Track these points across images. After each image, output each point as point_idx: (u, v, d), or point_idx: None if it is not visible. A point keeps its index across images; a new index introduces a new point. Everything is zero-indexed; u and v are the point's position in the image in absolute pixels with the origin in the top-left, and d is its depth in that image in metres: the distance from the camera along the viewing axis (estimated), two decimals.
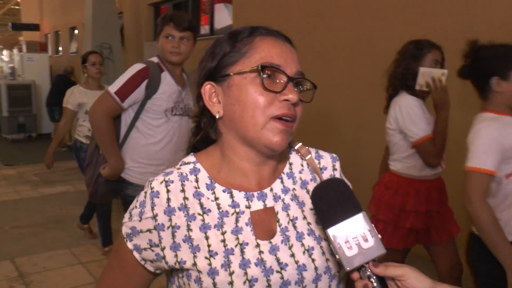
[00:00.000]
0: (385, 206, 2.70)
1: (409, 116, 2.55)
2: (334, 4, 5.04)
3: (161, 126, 2.70)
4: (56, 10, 14.92)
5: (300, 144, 1.13)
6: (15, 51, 13.46)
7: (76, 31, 13.56)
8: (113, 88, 2.59)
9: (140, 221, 1.01)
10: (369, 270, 0.88)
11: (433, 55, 2.60)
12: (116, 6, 8.85)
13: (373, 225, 0.90)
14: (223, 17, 7.84)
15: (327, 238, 1.01)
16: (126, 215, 1.05)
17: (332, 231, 0.89)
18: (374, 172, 3.41)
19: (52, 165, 4.62)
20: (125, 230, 1.04)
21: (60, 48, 15.28)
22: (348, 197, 0.93)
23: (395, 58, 2.75)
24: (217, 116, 1.02)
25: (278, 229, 1.01)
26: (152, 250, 1.00)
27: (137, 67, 2.63)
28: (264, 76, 0.96)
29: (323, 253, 1.01)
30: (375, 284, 0.87)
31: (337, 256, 0.89)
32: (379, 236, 0.89)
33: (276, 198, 1.04)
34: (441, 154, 2.59)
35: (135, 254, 1.03)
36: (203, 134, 1.09)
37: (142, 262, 1.04)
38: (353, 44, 4.83)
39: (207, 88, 1.04)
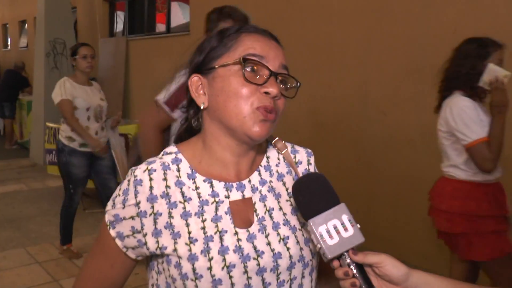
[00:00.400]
0: (459, 216, 2.55)
1: (460, 118, 2.45)
2: (293, 6, 5.14)
3: None
4: (3, 2, 14.38)
5: (277, 138, 1.18)
6: None
7: (26, 25, 13.12)
8: (162, 97, 2.35)
9: (123, 208, 1.03)
10: (349, 258, 0.94)
11: (498, 54, 2.49)
12: (69, 0, 8.65)
13: (352, 215, 0.96)
14: (178, 16, 7.81)
15: (301, 228, 1.09)
16: (109, 203, 1.07)
17: (313, 221, 0.95)
18: (328, 172, 3.50)
19: (105, 150, 4.19)
20: (108, 217, 1.06)
21: (9, 42, 14.74)
22: (328, 189, 0.99)
23: (452, 57, 2.60)
24: (202, 107, 1.06)
25: (256, 218, 1.06)
26: (134, 237, 1.03)
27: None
28: (248, 69, 1.01)
29: (298, 242, 1.06)
30: (354, 271, 0.93)
31: (319, 245, 0.94)
32: (358, 225, 0.95)
33: (254, 189, 1.09)
34: (496, 158, 2.43)
35: (118, 241, 1.05)
36: (188, 125, 1.13)
37: (124, 250, 1.06)
38: (312, 45, 4.94)
39: (194, 80, 1.08)
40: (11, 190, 6.54)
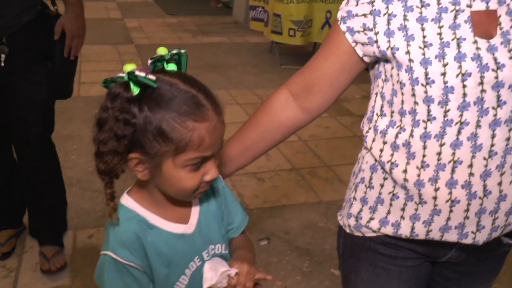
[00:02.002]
0: None
1: None
2: None
3: None
4: None
5: None
6: None
7: None
8: None
9: (356, 5, 1.01)
10: None
11: None
12: None
13: None
14: None
15: None
16: (343, 2, 1.06)
17: None
18: None
19: None
20: (340, 14, 1.05)
21: None
22: None
23: None
24: None
25: (499, 32, 0.94)
26: (365, 34, 1.00)
27: None
28: None
29: None
30: None
31: None
32: None
33: (500, 2, 0.95)
34: None
35: (348, 35, 1.03)
36: None
37: (353, 44, 1.03)
38: None
39: None
40: (215, 41, 6.95)
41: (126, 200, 0.98)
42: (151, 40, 6.80)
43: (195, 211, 1.03)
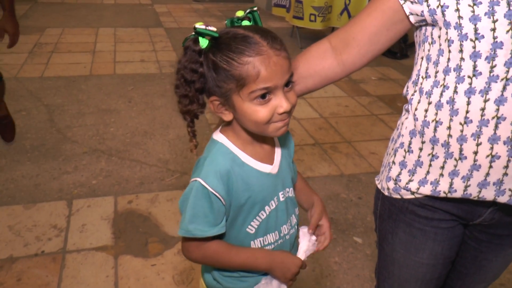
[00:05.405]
0: None
1: None
2: None
3: None
4: None
5: None
6: None
7: None
8: None
9: None
10: None
11: None
12: None
13: None
14: None
15: None
16: None
17: None
18: None
19: None
20: None
21: None
22: None
23: None
24: None
25: None
26: None
27: None
28: None
29: None
30: None
31: None
32: None
33: None
34: None
35: None
36: None
37: (402, 2, 0.98)
38: None
39: None
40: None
41: (220, 137, 1.00)
42: (180, 24, 6.77)
43: (277, 154, 1.05)
